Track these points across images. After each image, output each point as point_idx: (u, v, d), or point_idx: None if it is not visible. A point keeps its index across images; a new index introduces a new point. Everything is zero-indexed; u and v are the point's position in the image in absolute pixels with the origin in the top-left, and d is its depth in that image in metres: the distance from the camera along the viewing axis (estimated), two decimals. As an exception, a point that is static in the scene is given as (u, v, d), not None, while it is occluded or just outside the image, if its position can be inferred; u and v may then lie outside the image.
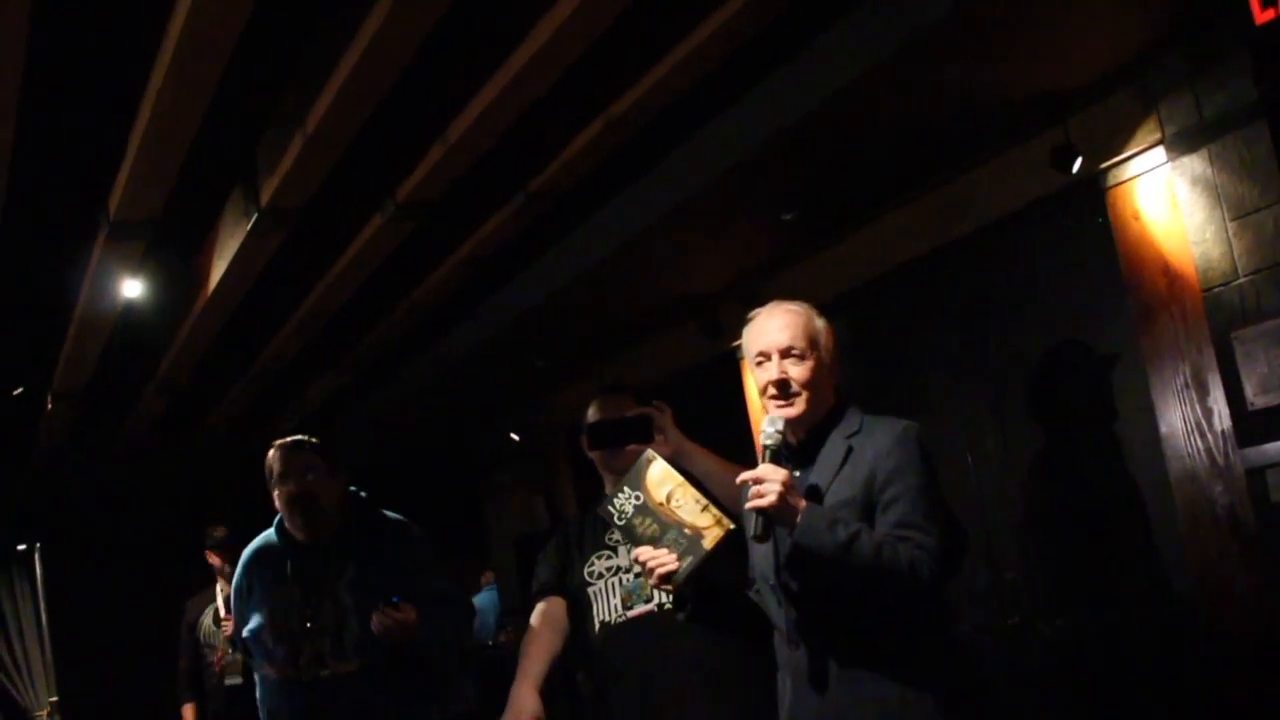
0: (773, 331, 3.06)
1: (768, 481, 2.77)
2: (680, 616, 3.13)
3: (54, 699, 10.22)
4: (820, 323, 3.10)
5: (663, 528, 3.00)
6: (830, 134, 4.87)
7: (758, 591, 3.14)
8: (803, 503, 2.81)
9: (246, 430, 8.62)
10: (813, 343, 3.06)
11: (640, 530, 3.02)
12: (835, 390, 3.11)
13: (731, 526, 2.97)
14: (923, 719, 2.85)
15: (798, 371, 3.02)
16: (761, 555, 3.03)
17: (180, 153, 4.43)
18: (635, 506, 3.04)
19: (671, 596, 3.10)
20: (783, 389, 3.01)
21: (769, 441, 2.91)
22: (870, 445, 2.97)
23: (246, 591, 4.25)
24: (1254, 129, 4.17)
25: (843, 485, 2.93)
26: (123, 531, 9.58)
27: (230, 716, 6.25)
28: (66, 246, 5.46)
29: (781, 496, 2.76)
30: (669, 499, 3.02)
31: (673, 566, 2.95)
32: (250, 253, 5.34)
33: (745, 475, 2.82)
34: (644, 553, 3.00)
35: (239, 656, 5.86)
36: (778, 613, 3.00)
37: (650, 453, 3.11)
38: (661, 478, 3.05)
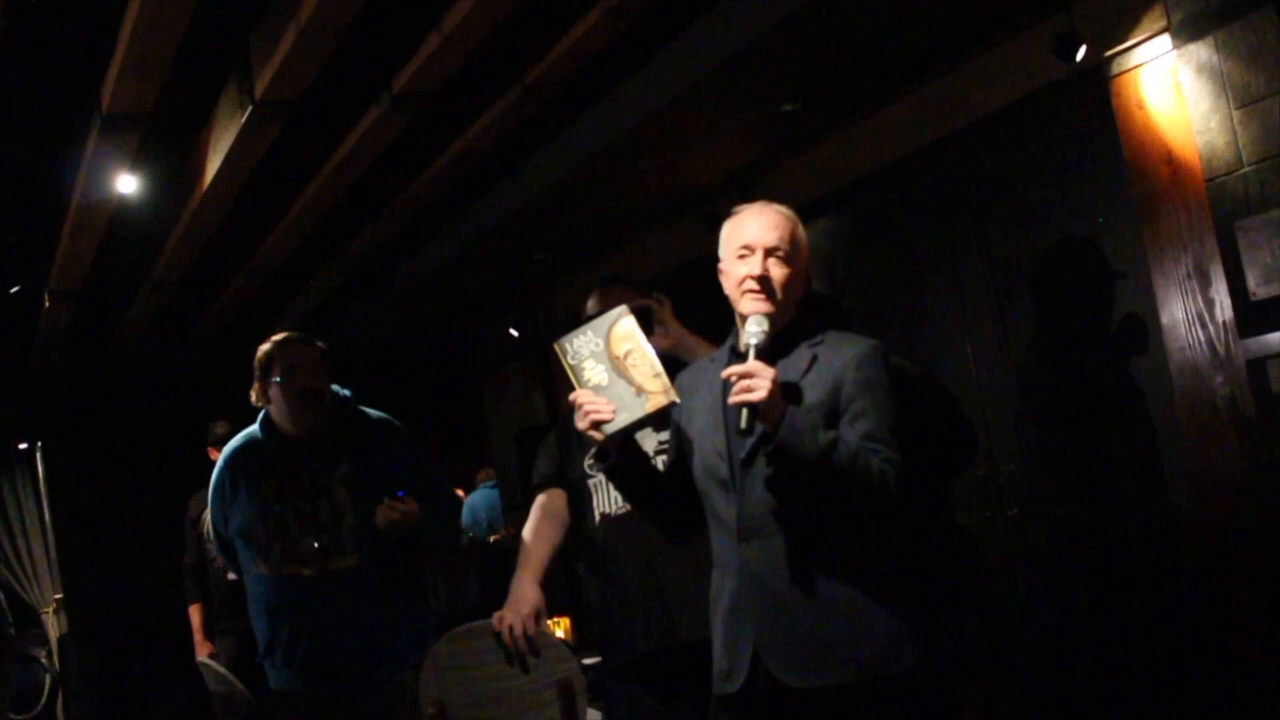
0: (762, 228, 3.05)
1: (758, 377, 2.76)
2: (599, 467, 3.11)
3: (59, 596, 10.32)
4: (802, 232, 3.11)
5: (610, 380, 2.99)
6: (832, 23, 4.81)
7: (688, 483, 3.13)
8: (786, 404, 2.81)
9: (245, 327, 8.62)
10: (795, 249, 3.06)
11: (586, 375, 3.01)
12: (798, 302, 3.10)
13: (676, 400, 2.96)
14: (873, 622, 2.87)
15: (778, 272, 3.02)
16: (710, 449, 3.03)
17: (172, 44, 4.38)
18: (591, 351, 3.03)
19: (595, 450, 3.08)
20: (764, 284, 3.00)
21: (756, 340, 2.90)
22: (837, 356, 2.98)
23: (230, 490, 4.23)
24: (1262, 14, 4.10)
25: (809, 390, 2.94)
26: (124, 429, 9.59)
27: (235, 612, 6.30)
28: (59, 141, 5.41)
29: (772, 393, 2.76)
30: (626, 355, 3.01)
31: (607, 416, 2.94)
32: (245, 146, 5.30)
33: (733, 369, 2.80)
34: (582, 395, 2.98)
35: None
36: (726, 508, 2.99)
37: (624, 308, 3.09)
38: (626, 334, 3.04)
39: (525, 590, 3.67)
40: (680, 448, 3.17)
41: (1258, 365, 4.20)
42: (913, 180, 5.70)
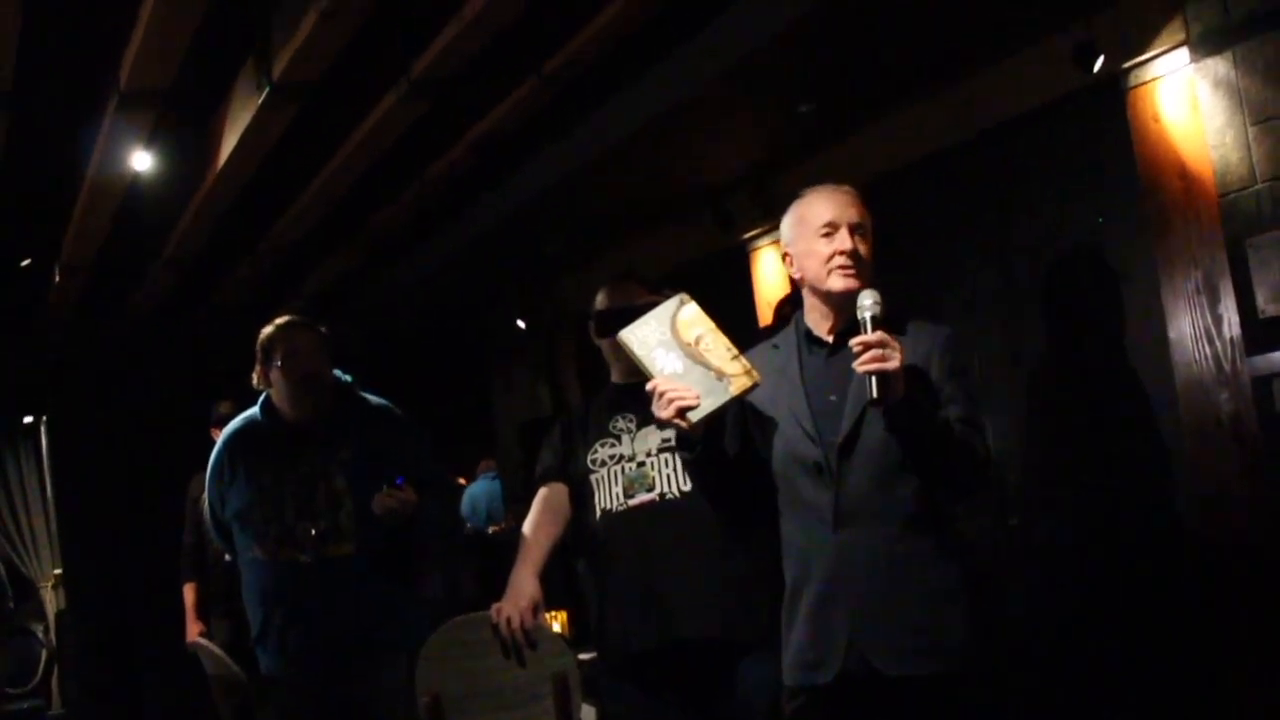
0: (843, 205, 3.05)
1: (890, 347, 2.73)
2: (683, 456, 3.08)
3: (58, 571, 10.34)
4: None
5: (686, 366, 2.91)
6: (850, 24, 4.80)
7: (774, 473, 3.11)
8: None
9: (254, 309, 8.61)
10: (870, 228, 3.07)
11: (660, 364, 2.93)
12: None
13: (759, 380, 2.90)
14: (960, 613, 2.91)
15: (864, 249, 3.02)
16: (796, 435, 3.00)
17: (192, 23, 4.38)
18: (660, 340, 2.96)
19: (677, 437, 3.03)
20: (855, 259, 2.99)
21: (872, 312, 2.83)
22: (919, 342, 2.97)
23: (229, 472, 4.22)
24: (1281, 32, 4.10)
25: None
26: (129, 406, 9.60)
27: (232, 594, 6.30)
28: (76, 116, 5.42)
29: (903, 362, 2.74)
30: (698, 341, 2.95)
31: (692, 402, 2.86)
32: (261, 127, 5.30)
33: (863, 339, 2.76)
34: (663, 383, 2.90)
35: None
36: (816, 495, 2.96)
37: (684, 295, 3.05)
38: (693, 319, 2.99)
39: (524, 583, 3.67)
40: (748, 434, 3.13)
41: (1263, 383, 4.19)
42: (926, 185, 5.69)
